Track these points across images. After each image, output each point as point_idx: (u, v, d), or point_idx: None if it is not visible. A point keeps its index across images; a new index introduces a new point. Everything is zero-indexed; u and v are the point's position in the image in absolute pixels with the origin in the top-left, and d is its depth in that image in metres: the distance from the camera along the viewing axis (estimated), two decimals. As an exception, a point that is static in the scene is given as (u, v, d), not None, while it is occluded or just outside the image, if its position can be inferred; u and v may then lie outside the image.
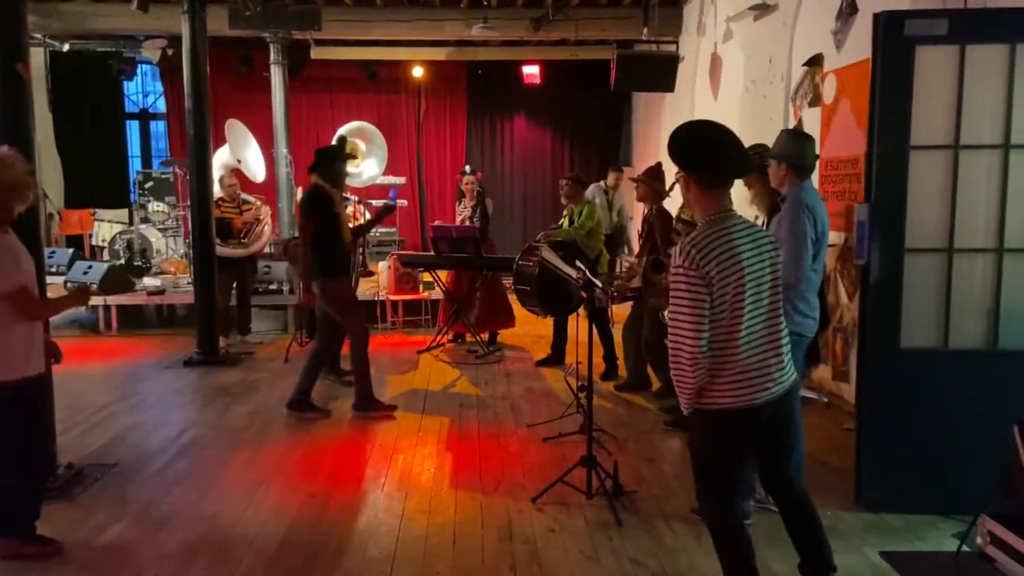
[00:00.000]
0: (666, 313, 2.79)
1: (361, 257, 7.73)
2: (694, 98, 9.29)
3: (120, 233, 10.34)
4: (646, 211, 5.87)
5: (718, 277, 2.64)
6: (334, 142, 6.59)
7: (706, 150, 2.80)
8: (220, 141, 8.80)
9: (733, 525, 2.90)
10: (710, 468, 2.88)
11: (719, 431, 2.80)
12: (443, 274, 7.76)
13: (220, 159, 8.47)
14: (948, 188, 3.79)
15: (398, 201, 7.43)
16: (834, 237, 5.36)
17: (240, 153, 8.77)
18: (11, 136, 4.13)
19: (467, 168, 8.19)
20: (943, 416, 3.81)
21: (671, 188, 5.35)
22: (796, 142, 3.91)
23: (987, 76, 3.74)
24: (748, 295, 2.68)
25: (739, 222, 2.77)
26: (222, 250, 7.58)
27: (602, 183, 8.89)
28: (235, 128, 8.88)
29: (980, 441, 3.66)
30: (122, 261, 9.78)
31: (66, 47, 11.10)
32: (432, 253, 7.66)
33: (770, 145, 4.09)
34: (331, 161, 5.55)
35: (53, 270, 8.77)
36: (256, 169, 9.03)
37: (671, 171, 5.45)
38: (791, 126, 6.55)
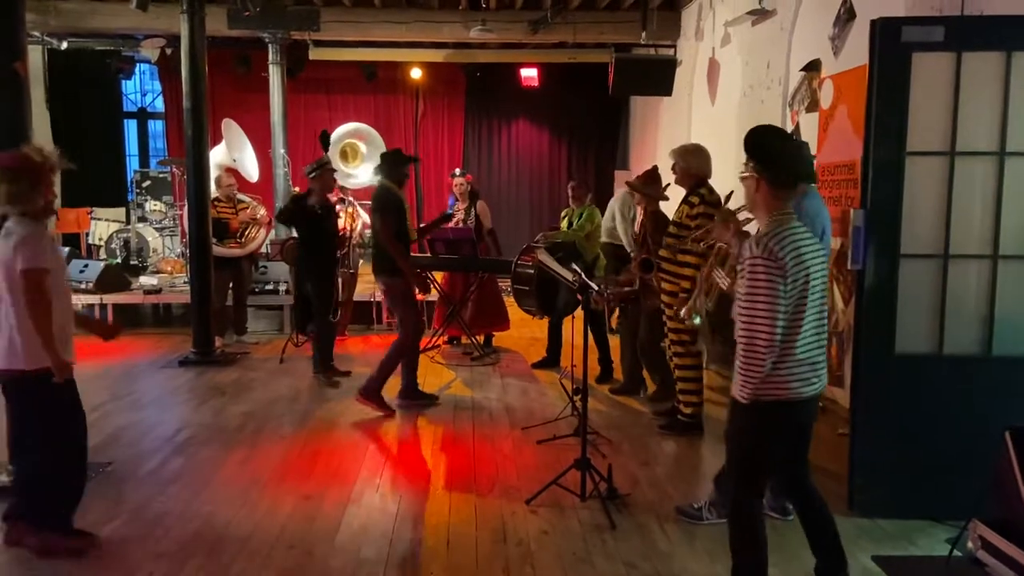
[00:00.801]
0: (736, 305, 2.89)
1: (348, 259, 7.71)
2: (691, 102, 9.31)
3: (117, 232, 10.33)
4: (642, 214, 5.88)
5: (792, 269, 2.75)
6: (319, 139, 6.69)
7: (787, 154, 2.94)
8: (217, 141, 8.80)
9: (757, 517, 2.98)
10: (752, 458, 2.97)
11: (769, 422, 2.90)
12: (439, 276, 7.76)
13: (215, 158, 8.47)
14: (944, 194, 3.81)
15: (455, 210, 7.56)
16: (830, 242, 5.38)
17: (235, 152, 8.77)
18: (8, 134, 4.14)
19: (457, 171, 8.23)
20: (937, 422, 3.82)
21: (676, 187, 5.33)
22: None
23: (983, 83, 3.76)
24: (810, 291, 2.81)
25: (799, 224, 2.89)
26: (219, 250, 7.58)
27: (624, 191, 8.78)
28: (231, 128, 8.89)
29: (974, 447, 3.67)
30: (118, 260, 9.78)
31: (64, 45, 11.08)
32: (428, 254, 7.67)
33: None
34: (396, 163, 5.78)
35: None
36: (251, 169, 9.04)
37: (667, 176, 5.49)
38: (788, 131, 6.57)
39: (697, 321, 3.78)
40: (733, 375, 2.94)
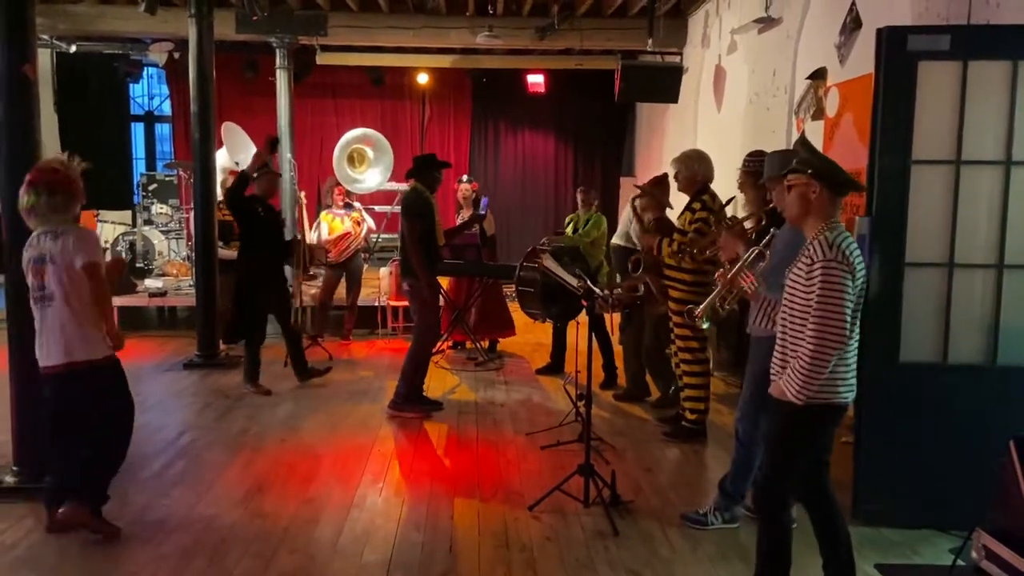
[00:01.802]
0: (785, 308, 2.95)
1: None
2: (697, 109, 9.32)
3: (123, 234, 10.35)
4: (647, 221, 5.88)
5: (859, 274, 2.82)
6: (267, 143, 6.66)
7: (830, 161, 3.03)
8: (222, 144, 8.83)
9: (788, 518, 3.03)
10: (793, 459, 3.00)
11: (818, 425, 2.96)
12: (443, 281, 7.76)
13: (218, 162, 8.49)
14: (949, 203, 3.81)
15: (461, 217, 7.60)
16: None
17: (238, 156, 8.80)
18: (17, 137, 4.17)
19: (464, 177, 8.24)
20: (941, 431, 3.81)
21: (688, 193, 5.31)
22: (790, 158, 3.91)
23: (989, 92, 3.76)
24: (860, 297, 2.87)
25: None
26: (224, 253, 7.60)
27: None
28: (232, 131, 8.91)
29: (979, 456, 3.66)
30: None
31: (73, 49, 11.12)
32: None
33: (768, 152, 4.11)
34: (428, 168, 5.83)
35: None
36: (254, 172, 9.04)
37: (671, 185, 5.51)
38: (794, 139, 6.57)
39: (706, 326, 3.76)
40: (780, 375, 2.93)
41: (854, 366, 2.92)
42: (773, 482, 3.04)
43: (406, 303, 8.39)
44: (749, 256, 3.51)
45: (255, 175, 6.33)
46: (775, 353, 3.03)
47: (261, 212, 6.32)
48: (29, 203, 3.57)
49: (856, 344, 2.92)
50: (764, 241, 3.53)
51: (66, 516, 3.65)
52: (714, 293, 3.60)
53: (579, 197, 6.91)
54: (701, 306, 3.64)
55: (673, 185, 5.42)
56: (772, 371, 3.03)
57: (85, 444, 3.74)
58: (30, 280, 3.64)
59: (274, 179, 6.56)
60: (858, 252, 2.86)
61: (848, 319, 2.79)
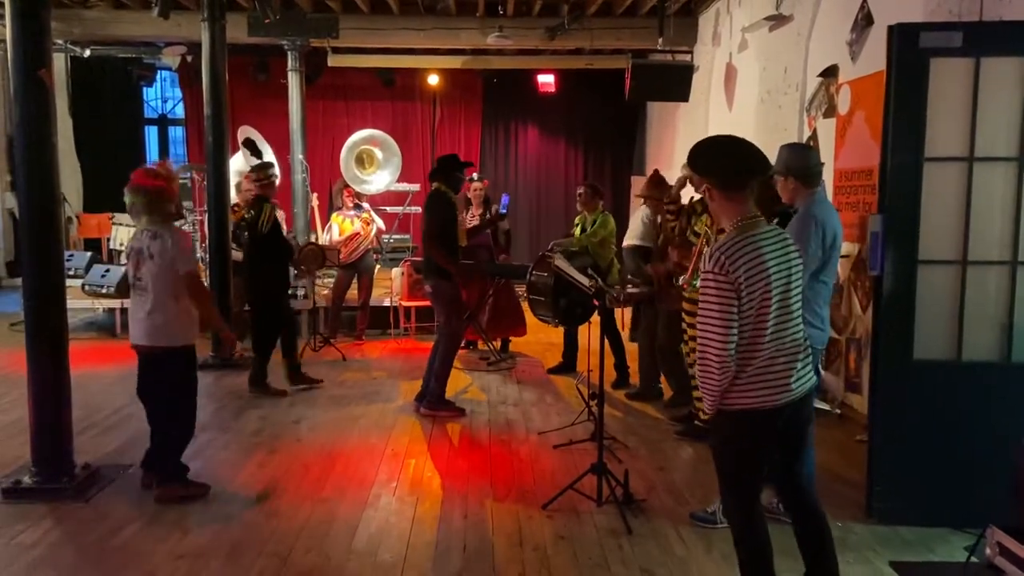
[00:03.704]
0: (695, 318, 2.83)
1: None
2: (708, 108, 9.30)
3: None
4: (659, 220, 5.90)
5: (746, 283, 2.70)
6: (243, 147, 6.65)
7: (719, 153, 2.92)
8: (236, 147, 8.88)
9: (756, 526, 2.93)
10: (732, 470, 2.93)
11: (740, 432, 2.86)
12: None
13: (235, 166, 8.55)
14: (962, 200, 3.79)
15: (473, 216, 7.61)
16: (847, 248, 5.35)
17: (253, 159, 8.85)
18: (33, 140, 4.21)
19: (474, 175, 8.26)
20: (956, 428, 3.79)
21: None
22: (796, 152, 3.92)
23: (1002, 89, 3.73)
24: (774, 300, 2.75)
25: (767, 229, 2.83)
26: (238, 255, 7.63)
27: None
28: (248, 134, 8.96)
29: (993, 454, 3.65)
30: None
31: (87, 53, 11.22)
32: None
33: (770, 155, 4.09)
34: (451, 168, 5.85)
35: (71, 273, 8.83)
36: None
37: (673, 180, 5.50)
38: (806, 137, 6.56)
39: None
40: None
41: (769, 371, 2.76)
42: (723, 494, 3.04)
43: (418, 303, 8.46)
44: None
45: (258, 181, 6.45)
46: None
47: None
48: (128, 202, 4.14)
49: (767, 350, 2.75)
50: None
51: (159, 497, 4.18)
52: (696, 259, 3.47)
53: (578, 198, 6.81)
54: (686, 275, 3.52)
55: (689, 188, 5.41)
56: None
57: (164, 416, 4.28)
58: (129, 268, 4.21)
59: (274, 182, 6.63)
60: (757, 257, 2.71)
61: (728, 335, 2.69)
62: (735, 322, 2.71)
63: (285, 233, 7.01)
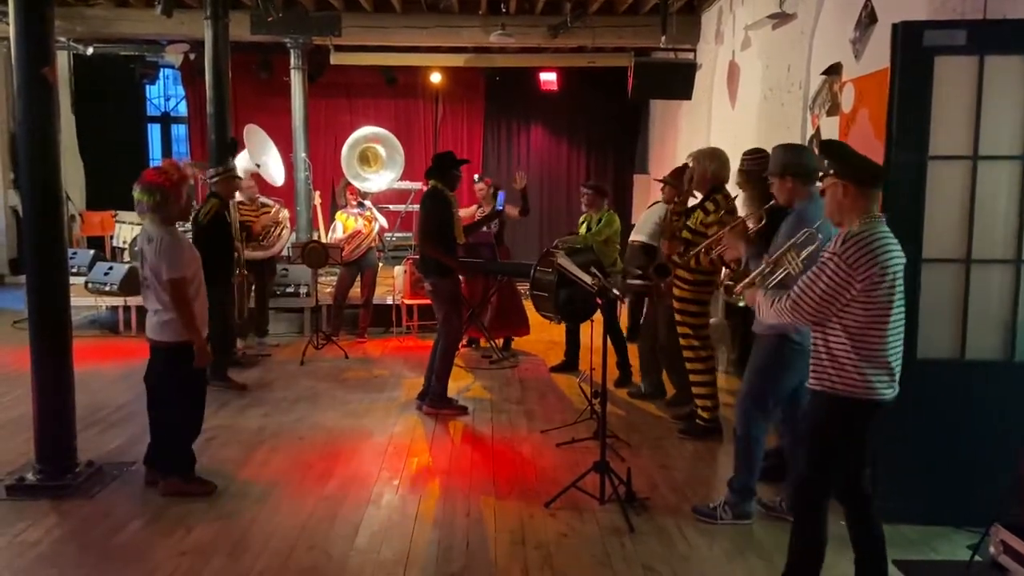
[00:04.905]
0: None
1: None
2: (711, 106, 9.29)
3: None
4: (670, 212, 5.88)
5: (877, 276, 2.80)
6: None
7: (856, 154, 3.02)
8: (240, 145, 8.86)
9: (824, 511, 3.02)
10: (830, 454, 3.01)
11: (852, 419, 2.96)
12: (458, 279, 7.77)
13: (239, 164, 8.53)
14: (966, 199, 3.78)
15: (505, 206, 7.62)
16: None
17: (259, 158, 8.84)
18: (37, 138, 4.21)
19: (476, 176, 8.29)
20: (959, 427, 3.79)
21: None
22: (791, 151, 3.90)
23: (1006, 87, 3.73)
24: (897, 296, 2.86)
25: (887, 228, 2.91)
26: (253, 254, 7.65)
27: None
28: (254, 133, 8.96)
29: (996, 452, 3.65)
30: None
31: (90, 51, 11.22)
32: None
33: (768, 151, 4.09)
34: (447, 166, 5.85)
35: (74, 271, 8.83)
36: (276, 173, 9.10)
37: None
38: (808, 135, 6.55)
39: (742, 303, 3.60)
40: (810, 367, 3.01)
41: (886, 364, 2.89)
42: (809, 477, 3.07)
43: (420, 301, 8.46)
44: (799, 238, 3.38)
45: (215, 178, 6.43)
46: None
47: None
48: (136, 199, 4.16)
49: (888, 343, 2.88)
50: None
51: (163, 491, 4.23)
52: (760, 270, 3.43)
53: (583, 200, 6.83)
54: (741, 284, 3.47)
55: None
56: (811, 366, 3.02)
57: (168, 411, 4.29)
58: (139, 265, 4.33)
59: (233, 181, 6.63)
60: (885, 254, 2.82)
61: (820, 310, 2.86)
62: (834, 307, 2.85)
63: (236, 231, 6.94)
